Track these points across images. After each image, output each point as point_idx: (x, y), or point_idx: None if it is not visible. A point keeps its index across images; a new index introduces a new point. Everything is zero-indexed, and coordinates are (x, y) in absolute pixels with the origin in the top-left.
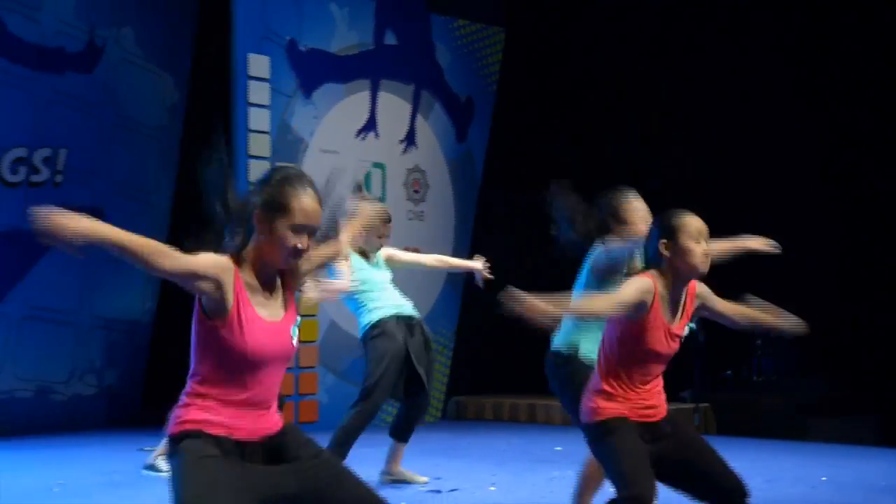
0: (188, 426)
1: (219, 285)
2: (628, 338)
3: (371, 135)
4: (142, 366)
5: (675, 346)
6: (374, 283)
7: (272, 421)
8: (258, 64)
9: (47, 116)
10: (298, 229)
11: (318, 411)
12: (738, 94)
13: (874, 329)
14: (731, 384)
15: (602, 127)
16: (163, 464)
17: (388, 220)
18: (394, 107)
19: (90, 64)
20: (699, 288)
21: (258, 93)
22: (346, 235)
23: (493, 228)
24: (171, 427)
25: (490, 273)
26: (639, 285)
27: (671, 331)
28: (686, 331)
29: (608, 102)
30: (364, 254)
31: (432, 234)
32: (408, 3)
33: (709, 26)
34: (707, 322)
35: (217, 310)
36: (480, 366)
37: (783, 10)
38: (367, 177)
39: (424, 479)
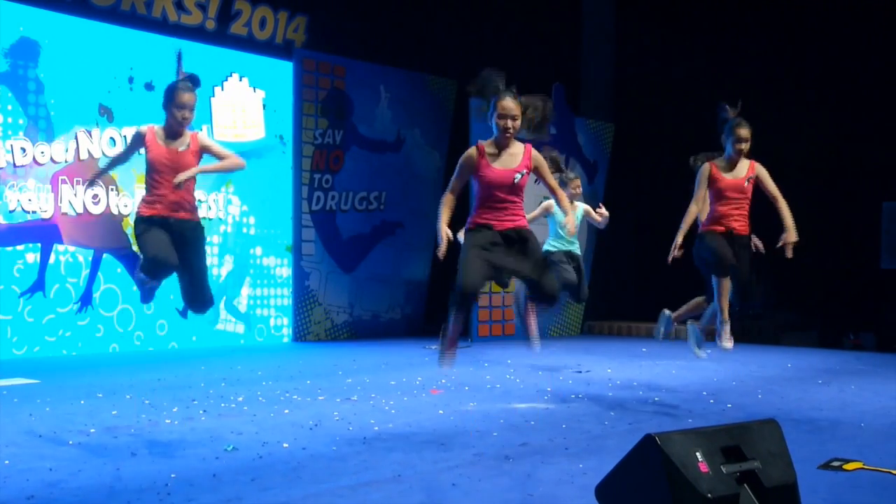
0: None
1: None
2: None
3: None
4: (423, 305)
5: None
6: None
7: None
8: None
9: (377, 175)
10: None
11: None
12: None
13: (820, 278)
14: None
15: (671, 175)
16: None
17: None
18: None
19: (398, 147)
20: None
21: None
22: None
23: (608, 232)
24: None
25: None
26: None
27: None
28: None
29: (677, 163)
30: None
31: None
32: (563, 113)
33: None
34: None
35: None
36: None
37: None
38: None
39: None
